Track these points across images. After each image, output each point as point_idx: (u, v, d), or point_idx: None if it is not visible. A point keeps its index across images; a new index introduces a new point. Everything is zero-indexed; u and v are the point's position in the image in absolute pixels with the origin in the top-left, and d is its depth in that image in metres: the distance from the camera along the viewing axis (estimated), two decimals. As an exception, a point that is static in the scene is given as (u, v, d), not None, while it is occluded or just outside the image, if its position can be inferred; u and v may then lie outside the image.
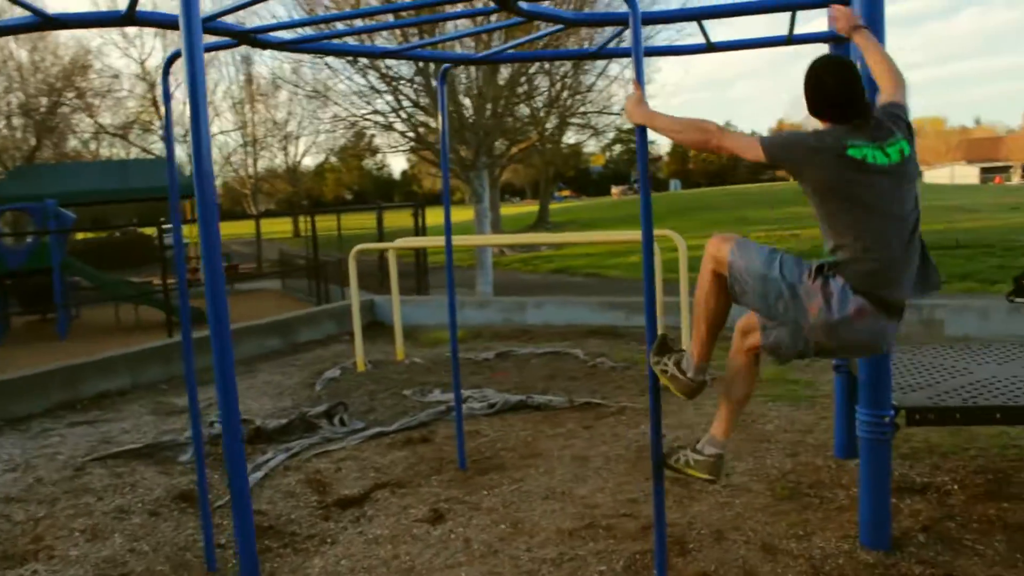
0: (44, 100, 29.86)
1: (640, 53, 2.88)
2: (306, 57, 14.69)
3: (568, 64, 14.34)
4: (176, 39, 2.20)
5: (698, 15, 3.74)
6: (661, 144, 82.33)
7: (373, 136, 20.74)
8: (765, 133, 3.16)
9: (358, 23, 5.25)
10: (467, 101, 14.41)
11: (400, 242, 9.85)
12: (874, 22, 3.19)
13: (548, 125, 17.33)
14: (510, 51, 4.59)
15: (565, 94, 15.70)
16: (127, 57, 51.30)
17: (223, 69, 40.23)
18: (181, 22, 1.95)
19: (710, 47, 4.25)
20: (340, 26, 4.48)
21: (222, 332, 2.07)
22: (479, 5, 10.60)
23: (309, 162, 51.74)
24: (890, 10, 3.26)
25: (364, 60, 13.27)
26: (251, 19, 21.54)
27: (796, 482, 4.25)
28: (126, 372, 7.12)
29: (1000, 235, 16.26)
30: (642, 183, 2.97)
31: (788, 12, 3.77)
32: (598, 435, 5.18)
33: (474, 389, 6.24)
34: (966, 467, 4.30)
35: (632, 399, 5.94)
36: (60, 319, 12.91)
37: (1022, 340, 6.88)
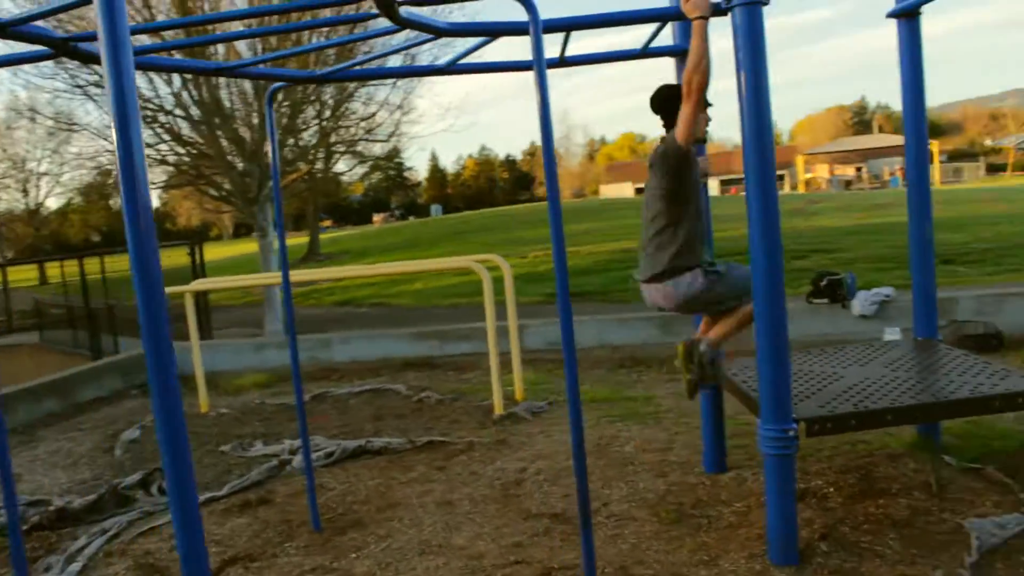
0: None
1: (543, 64, 2.60)
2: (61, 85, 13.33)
3: (333, 90, 14.03)
4: None
5: (565, 26, 3.53)
6: (419, 170, 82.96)
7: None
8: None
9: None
10: (247, 132, 13.61)
11: (203, 283, 8.94)
12: (754, 35, 3.11)
13: (320, 154, 16.75)
14: (357, 67, 4.15)
15: (334, 123, 15.31)
16: None
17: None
18: None
19: (562, 62, 4.08)
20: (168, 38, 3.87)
21: None
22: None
23: (53, 203, 47.24)
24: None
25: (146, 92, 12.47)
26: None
27: (677, 504, 4.11)
28: None
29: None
30: (550, 188, 2.68)
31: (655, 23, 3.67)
32: (455, 476, 4.82)
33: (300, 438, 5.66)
34: (831, 468, 4.35)
35: (475, 433, 5.63)
36: None
37: (853, 339, 7.28)
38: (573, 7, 4.16)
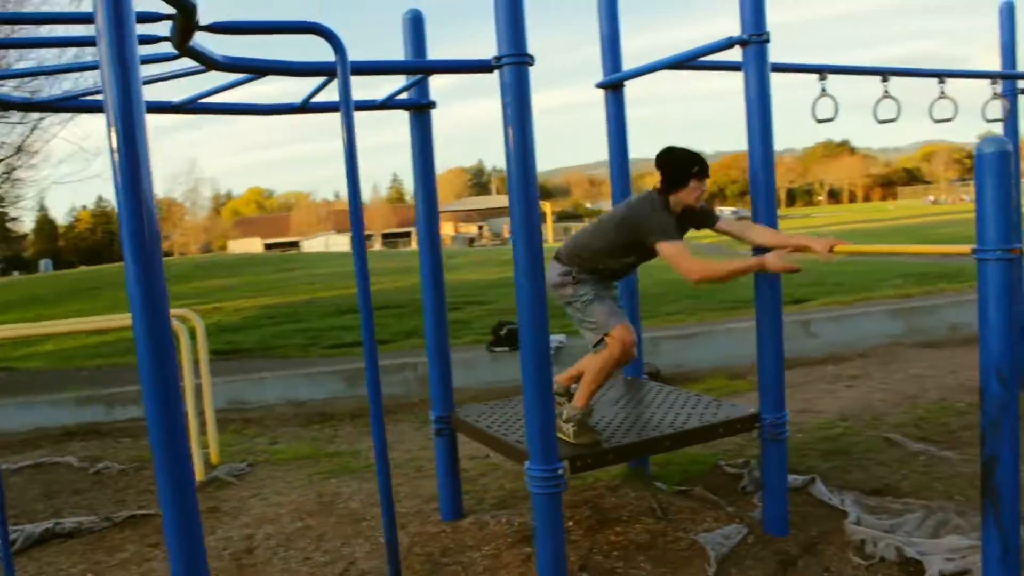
0: None
1: (350, 106, 2.51)
2: None
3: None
4: None
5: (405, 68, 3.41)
6: (25, 221, 74.11)
7: None
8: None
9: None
10: None
11: None
12: (521, 92, 3.25)
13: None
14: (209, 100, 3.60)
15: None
16: None
17: None
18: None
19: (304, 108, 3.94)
20: None
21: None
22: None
23: None
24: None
25: None
26: None
27: (426, 554, 4.07)
28: None
29: (402, 295, 17.91)
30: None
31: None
32: (164, 551, 4.33)
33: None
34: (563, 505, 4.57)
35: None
36: None
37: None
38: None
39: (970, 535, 3.73)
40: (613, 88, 4.77)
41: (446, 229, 63.56)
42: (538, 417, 3.37)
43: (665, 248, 3.70)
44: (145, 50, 2.78)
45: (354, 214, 2.93)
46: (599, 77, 4.78)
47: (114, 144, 1.83)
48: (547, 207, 69.84)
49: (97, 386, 8.52)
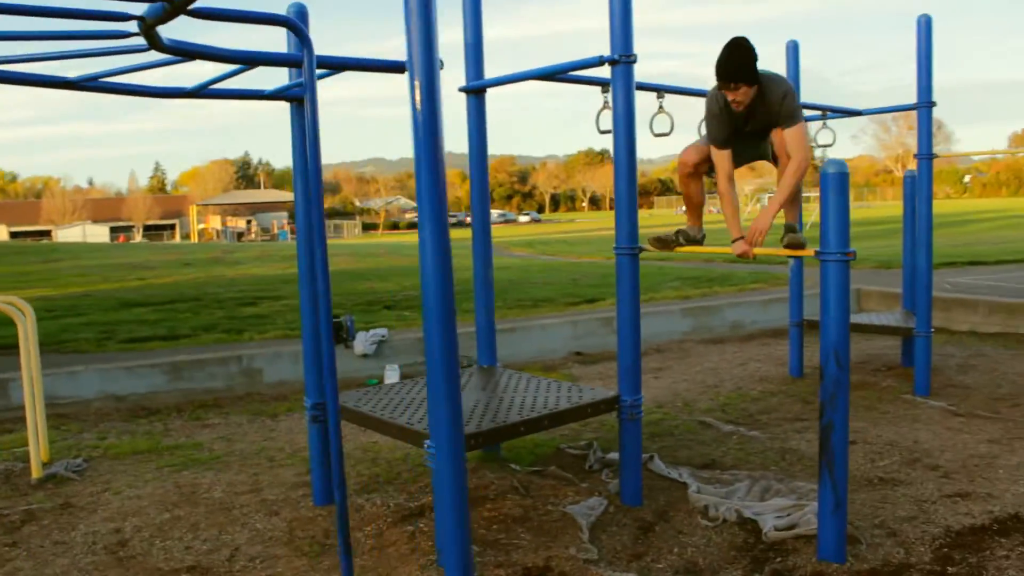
0: None
1: (315, 98, 2.68)
2: None
3: None
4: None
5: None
6: None
7: None
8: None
9: None
10: None
11: None
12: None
13: None
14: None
15: None
16: None
17: None
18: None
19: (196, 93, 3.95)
20: None
21: None
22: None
23: None
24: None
25: None
26: None
27: (309, 536, 4.19)
28: None
29: (192, 288, 17.23)
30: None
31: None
32: (37, 548, 4.13)
33: None
34: (428, 488, 4.83)
35: (20, 502, 4.84)
36: None
37: (360, 377, 7.79)
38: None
39: (790, 497, 4.40)
40: (476, 93, 5.07)
41: (213, 223, 60.93)
42: (444, 397, 3.60)
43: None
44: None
45: (315, 208, 3.05)
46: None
47: None
48: (320, 203, 68.69)
49: None
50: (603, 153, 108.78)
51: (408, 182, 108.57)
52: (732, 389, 7.19)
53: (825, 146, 6.89)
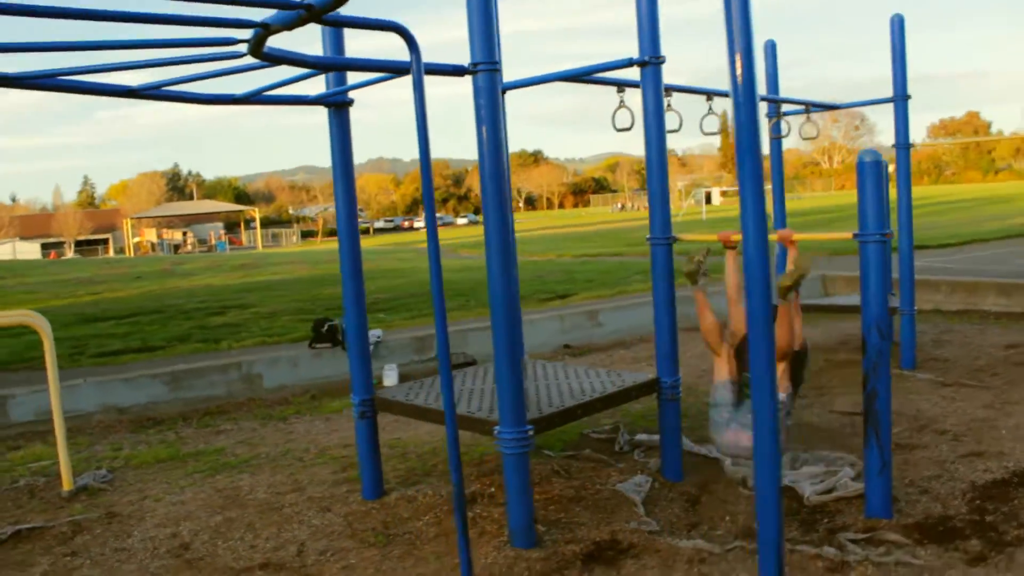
0: None
1: (423, 102, 2.81)
2: None
3: None
4: None
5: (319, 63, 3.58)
6: None
7: None
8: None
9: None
10: None
11: None
12: (493, 96, 3.66)
13: None
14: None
15: None
16: None
17: None
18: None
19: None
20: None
21: None
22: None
23: None
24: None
25: None
26: None
27: (371, 529, 4.30)
28: None
29: (151, 300, 16.97)
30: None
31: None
32: (99, 558, 4.14)
33: None
34: (477, 474, 4.97)
35: (61, 514, 4.83)
36: None
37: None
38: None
39: (818, 464, 4.66)
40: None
41: (148, 235, 59.67)
42: (509, 384, 3.78)
43: None
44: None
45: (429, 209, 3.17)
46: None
47: None
48: (255, 213, 67.83)
49: None
50: (536, 154, 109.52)
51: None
52: (728, 372, 7.46)
53: (809, 138, 7.22)
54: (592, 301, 11.49)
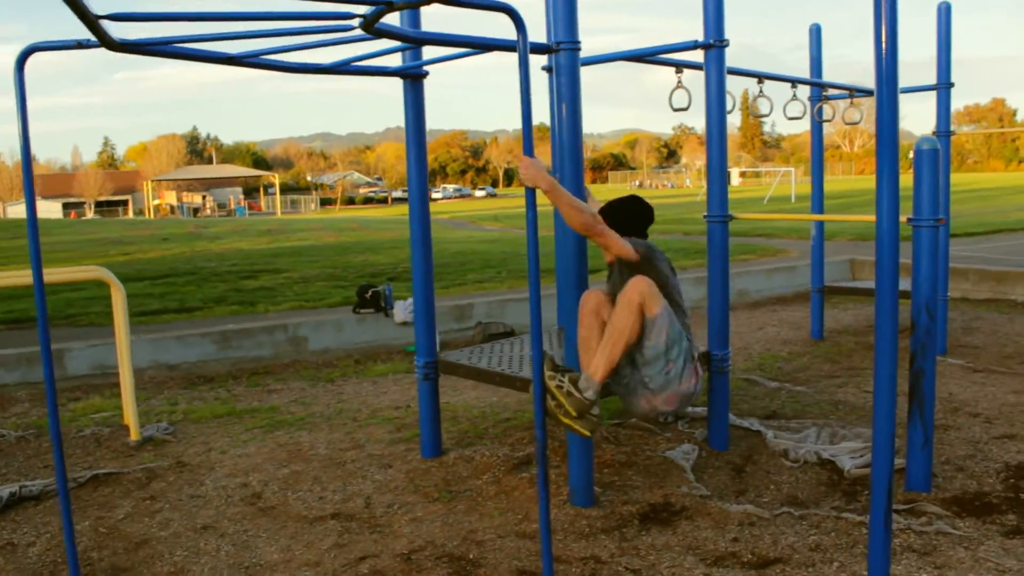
0: None
1: (528, 80, 2.98)
2: None
3: None
4: None
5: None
6: None
7: None
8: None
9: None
10: None
11: None
12: (573, 74, 3.83)
13: None
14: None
15: None
16: None
17: None
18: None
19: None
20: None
21: None
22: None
23: None
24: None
25: None
26: None
27: (433, 486, 4.53)
28: None
29: (182, 262, 17.24)
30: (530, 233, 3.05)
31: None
32: (176, 502, 4.40)
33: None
34: (509, 437, 5.19)
35: (132, 462, 5.09)
36: None
37: (398, 343, 8.07)
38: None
39: (857, 440, 4.86)
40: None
41: (168, 198, 59.98)
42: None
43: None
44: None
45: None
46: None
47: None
48: (274, 178, 68.03)
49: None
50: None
51: (360, 157, 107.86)
52: (762, 351, 7.66)
53: (852, 123, 7.34)
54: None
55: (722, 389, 4.85)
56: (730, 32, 4.64)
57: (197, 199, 59.68)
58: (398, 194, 73.04)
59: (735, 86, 5.75)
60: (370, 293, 8.52)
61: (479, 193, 76.87)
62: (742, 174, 72.73)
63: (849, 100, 7.34)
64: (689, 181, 77.79)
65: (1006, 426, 5.22)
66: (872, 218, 2.91)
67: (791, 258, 12.94)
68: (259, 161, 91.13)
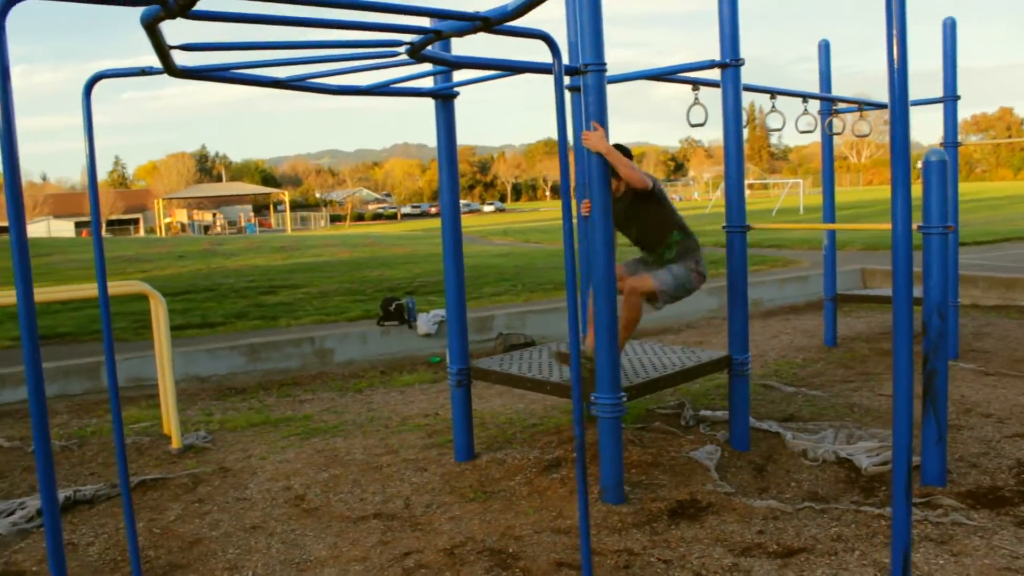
0: None
1: (563, 102, 3.21)
2: None
3: None
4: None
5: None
6: None
7: None
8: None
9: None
10: None
11: None
12: (600, 95, 4.06)
13: None
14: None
15: None
16: None
17: None
18: None
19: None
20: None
21: None
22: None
23: None
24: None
25: None
26: None
27: (468, 487, 4.74)
28: None
29: (200, 279, 17.53)
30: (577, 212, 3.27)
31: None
32: (225, 505, 4.61)
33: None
34: (557, 442, 5.39)
35: (176, 468, 5.31)
36: None
37: (421, 355, 8.30)
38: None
39: (873, 440, 5.05)
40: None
41: (179, 216, 60.45)
42: (607, 357, 4.19)
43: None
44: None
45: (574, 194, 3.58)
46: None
47: None
48: (284, 196, 68.47)
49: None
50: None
51: (368, 173, 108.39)
52: (777, 358, 7.85)
53: (862, 135, 7.55)
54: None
55: (742, 392, 5.05)
56: (737, 46, 4.89)
57: (208, 217, 60.18)
58: (406, 210, 73.43)
59: (743, 100, 6.00)
60: (394, 306, 8.75)
61: (487, 208, 77.19)
62: (750, 186, 72.86)
63: (858, 113, 7.55)
64: (697, 194, 78.05)
65: (1018, 426, 5.40)
66: (884, 226, 3.12)
67: (802, 268, 13.13)
68: (268, 178, 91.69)
